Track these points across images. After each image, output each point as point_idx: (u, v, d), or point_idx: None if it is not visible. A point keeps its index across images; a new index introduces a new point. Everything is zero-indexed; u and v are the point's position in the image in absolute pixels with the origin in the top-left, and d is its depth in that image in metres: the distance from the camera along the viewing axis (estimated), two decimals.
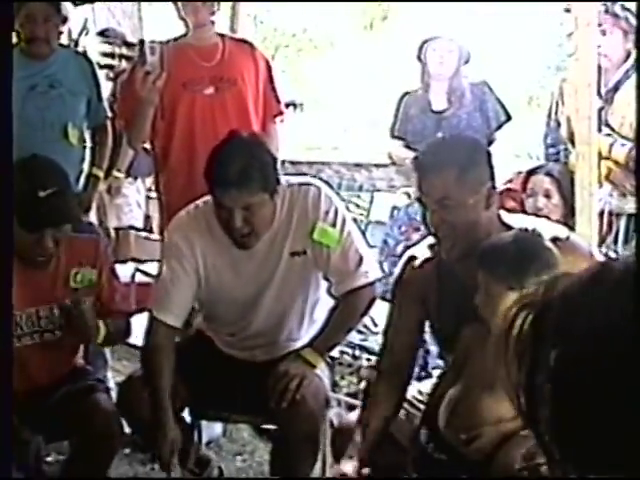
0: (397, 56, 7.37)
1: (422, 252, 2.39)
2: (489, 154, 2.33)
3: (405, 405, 2.42)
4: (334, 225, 2.62)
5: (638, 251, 2.85)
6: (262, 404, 2.57)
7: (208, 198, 2.64)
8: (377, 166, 5.67)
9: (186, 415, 2.84)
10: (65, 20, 3.49)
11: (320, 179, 2.98)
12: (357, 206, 5.66)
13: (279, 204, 2.62)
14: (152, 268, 4.06)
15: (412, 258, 2.41)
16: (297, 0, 8.76)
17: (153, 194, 6.00)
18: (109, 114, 3.66)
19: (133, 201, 5.46)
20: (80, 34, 5.10)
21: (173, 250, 2.68)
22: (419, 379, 2.97)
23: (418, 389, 2.50)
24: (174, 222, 2.76)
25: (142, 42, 3.05)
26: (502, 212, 2.34)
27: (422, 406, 2.38)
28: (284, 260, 2.65)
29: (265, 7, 8.98)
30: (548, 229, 2.19)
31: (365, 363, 3.72)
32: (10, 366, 1.39)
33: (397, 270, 2.50)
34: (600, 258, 2.28)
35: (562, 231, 2.29)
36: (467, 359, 2.17)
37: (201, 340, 2.85)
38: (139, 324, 2.87)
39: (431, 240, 2.34)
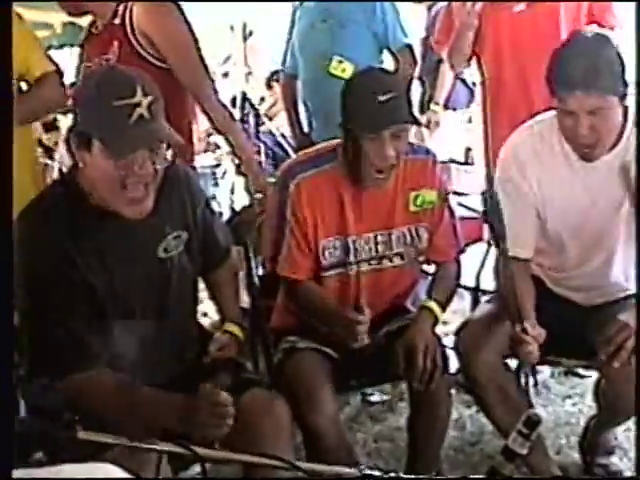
0: None
1: None
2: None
3: None
4: None
5: (639, 251, 2.33)
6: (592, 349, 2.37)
7: (541, 117, 2.50)
8: None
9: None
10: None
11: None
12: None
13: (630, 122, 2.39)
14: (474, 202, 3.94)
15: None
16: None
17: (472, 126, 5.88)
18: None
19: (452, 134, 5.35)
20: None
21: (506, 181, 2.54)
22: None
23: None
24: (503, 151, 2.61)
25: None
26: None
27: None
28: (632, 188, 2.41)
29: None
30: None
31: None
32: (11, 361, 1.36)
33: None
34: None
35: None
36: None
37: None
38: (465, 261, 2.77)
39: None
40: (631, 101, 2.38)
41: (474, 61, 3.44)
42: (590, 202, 2.47)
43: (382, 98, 2.33)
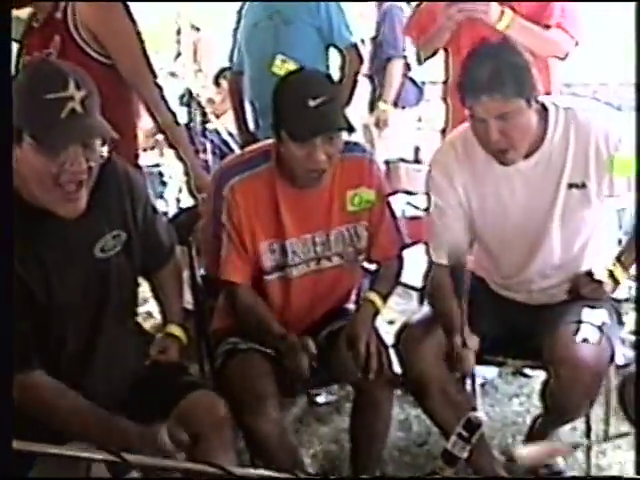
0: None
1: None
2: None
3: None
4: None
5: (638, 249, 2.40)
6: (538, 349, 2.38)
7: (466, 124, 2.46)
8: None
9: None
10: None
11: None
12: None
13: (551, 125, 2.38)
14: (422, 201, 3.94)
15: None
16: None
17: (421, 124, 5.89)
18: None
19: (402, 132, 5.35)
20: None
21: (433, 185, 2.54)
22: None
23: None
24: (433, 154, 2.61)
25: None
26: None
27: None
28: (561, 191, 2.40)
29: None
30: None
31: None
32: (11, 360, 1.33)
33: None
34: None
35: None
36: None
37: (474, 281, 2.65)
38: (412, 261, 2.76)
39: None
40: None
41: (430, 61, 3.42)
42: (517, 209, 2.47)
43: (312, 103, 2.27)
